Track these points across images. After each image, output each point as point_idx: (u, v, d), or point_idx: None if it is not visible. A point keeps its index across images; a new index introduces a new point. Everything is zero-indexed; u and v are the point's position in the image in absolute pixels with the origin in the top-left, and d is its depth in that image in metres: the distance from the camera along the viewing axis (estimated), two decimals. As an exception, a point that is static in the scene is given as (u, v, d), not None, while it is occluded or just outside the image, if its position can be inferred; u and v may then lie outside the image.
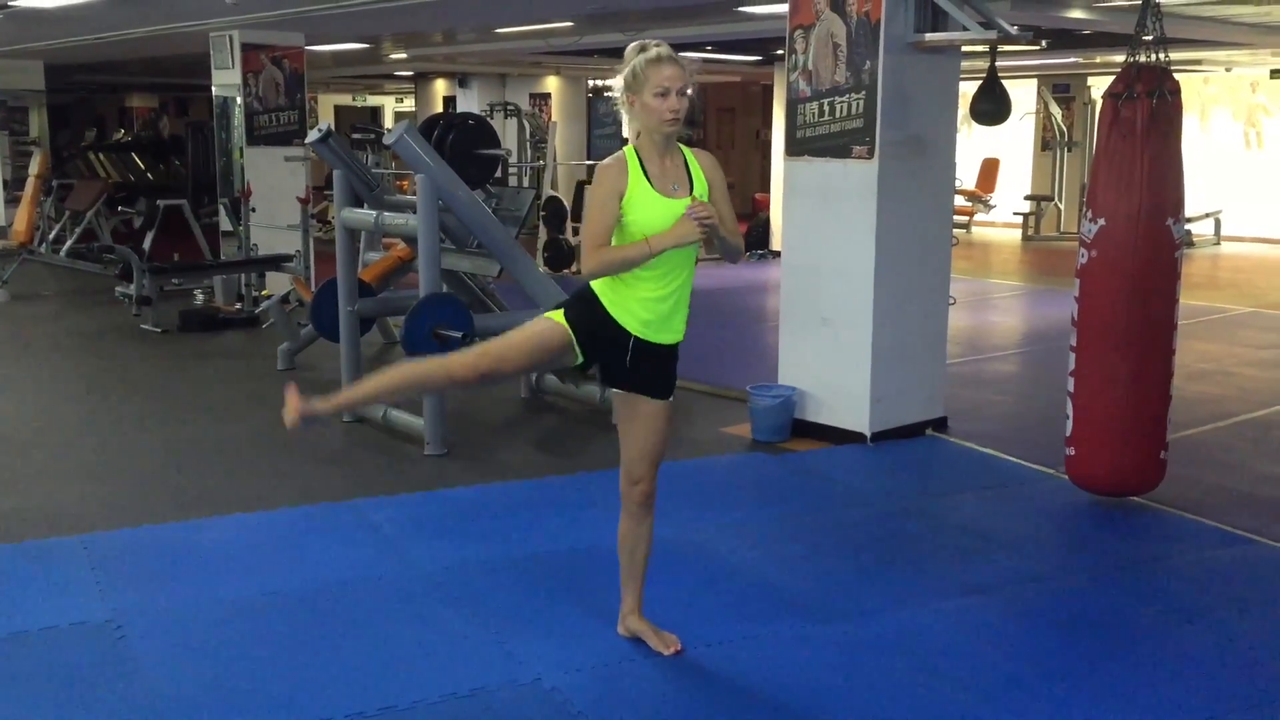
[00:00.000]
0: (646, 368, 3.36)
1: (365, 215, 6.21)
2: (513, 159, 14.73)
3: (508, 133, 15.45)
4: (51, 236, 13.31)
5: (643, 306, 3.28)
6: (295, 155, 10.45)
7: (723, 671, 3.49)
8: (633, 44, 3.26)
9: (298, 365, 7.74)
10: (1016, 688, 3.41)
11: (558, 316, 3.31)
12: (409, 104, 23.67)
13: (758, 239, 14.63)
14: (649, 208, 3.21)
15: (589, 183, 13.86)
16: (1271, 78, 15.70)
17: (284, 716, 3.19)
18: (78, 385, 7.45)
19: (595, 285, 3.31)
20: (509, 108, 15.99)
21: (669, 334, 3.36)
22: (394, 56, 15.16)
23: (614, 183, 3.23)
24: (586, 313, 3.30)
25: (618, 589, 3.67)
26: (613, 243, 3.24)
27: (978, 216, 17.87)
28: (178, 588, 4.06)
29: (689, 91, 3.23)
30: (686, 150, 3.35)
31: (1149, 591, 4.17)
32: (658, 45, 3.24)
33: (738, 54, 14.20)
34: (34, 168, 13.25)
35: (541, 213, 12.80)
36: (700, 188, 3.30)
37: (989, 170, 18.10)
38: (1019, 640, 3.77)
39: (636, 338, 3.30)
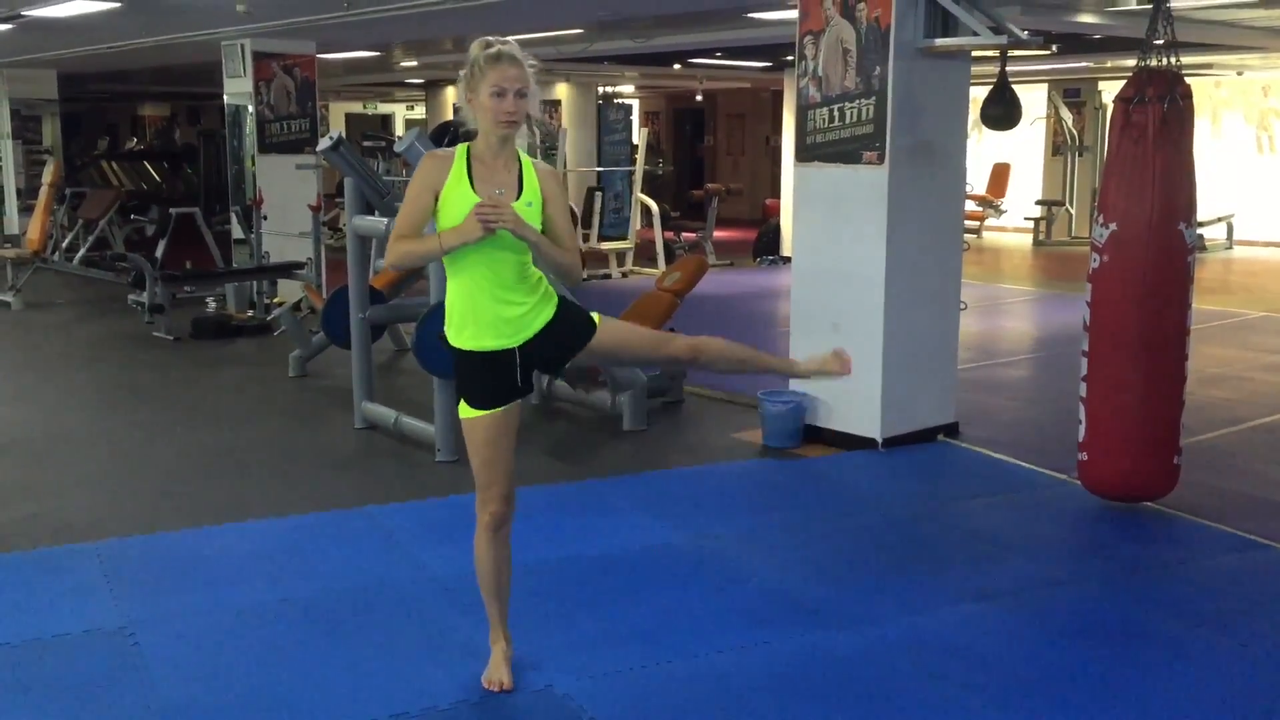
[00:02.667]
0: (550, 345, 3.24)
1: (376, 222, 6.22)
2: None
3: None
4: (64, 245, 13.38)
5: (480, 323, 3.16)
6: (307, 163, 10.47)
7: (735, 677, 3.48)
8: (477, 39, 3.14)
9: (309, 372, 7.76)
10: (1030, 693, 3.40)
11: (462, 408, 3.27)
12: (419, 111, 23.71)
13: (768, 245, 14.62)
14: (461, 207, 3.08)
15: (599, 189, 13.83)
16: (1283, 81, 15.65)
17: (297, 723, 3.19)
18: (90, 393, 7.48)
19: (446, 334, 3.23)
20: (519, 115, 16.01)
21: (534, 323, 3.20)
22: (404, 64, 15.21)
23: (432, 176, 3.13)
24: (466, 367, 3.22)
25: (628, 595, 3.67)
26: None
27: (988, 221, 17.82)
28: (191, 594, 4.07)
29: (529, 94, 3.10)
30: (526, 159, 3.22)
31: (1162, 597, 4.15)
32: (502, 43, 3.11)
33: (747, 60, 14.21)
34: (47, 176, 13.32)
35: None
36: (531, 195, 3.14)
37: (1000, 175, 18.06)
38: (1032, 645, 3.76)
39: (519, 348, 3.20)
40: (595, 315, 3.31)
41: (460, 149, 3.18)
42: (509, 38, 3.16)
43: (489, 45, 3.10)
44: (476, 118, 3.14)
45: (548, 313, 3.23)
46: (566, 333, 3.26)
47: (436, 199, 3.12)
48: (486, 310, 3.16)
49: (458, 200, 3.10)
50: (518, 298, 3.18)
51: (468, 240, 3.04)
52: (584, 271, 3.12)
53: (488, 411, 3.23)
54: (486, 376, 3.22)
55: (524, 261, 3.17)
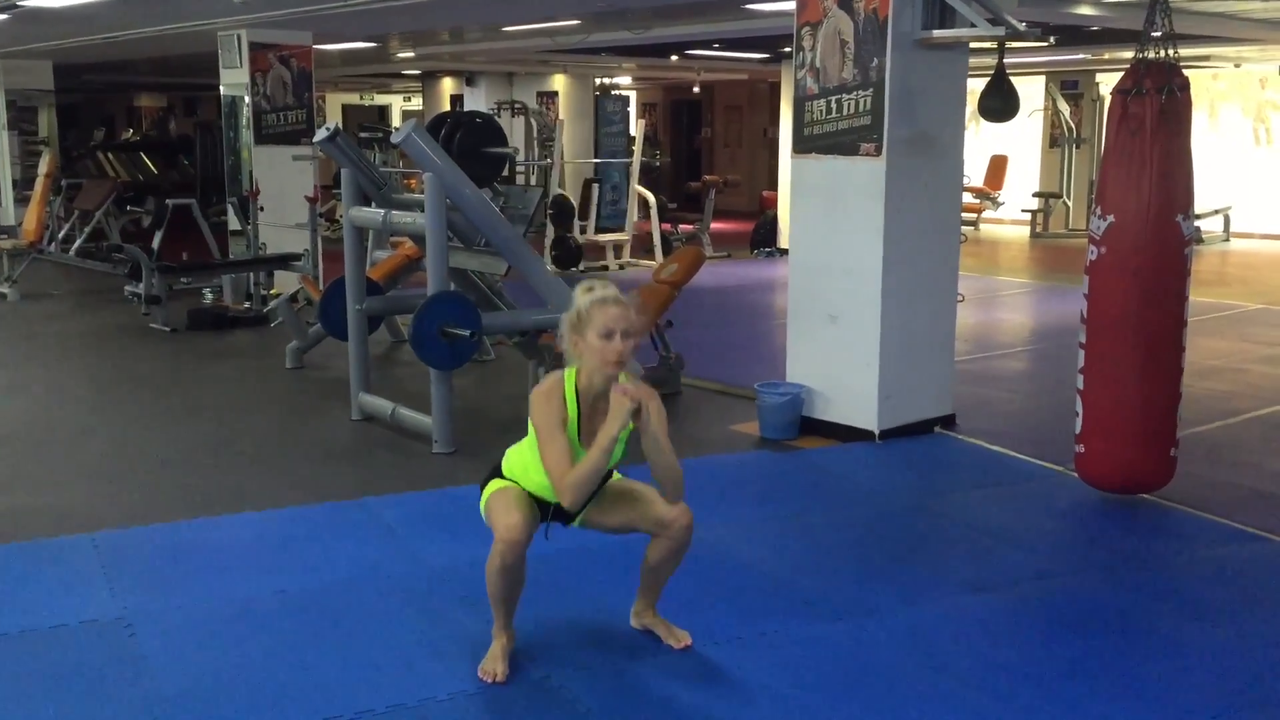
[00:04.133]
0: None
1: (373, 214, 6.21)
2: (520, 157, 14.75)
3: (515, 131, 15.48)
4: (60, 236, 13.35)
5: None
6: (303, 154, 10.47)
7: (731, 669, 3.49)
8: (580, 284, 3.26)
9: (306, 364, 7.75)
10: (1027, 685, 3.41)
11: (493, 485, 3.40)
12: (416, 103, 23.70)
13: (765, 237, 14.62)
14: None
15: (596, 180, 13.82)
16: (1281, 73, 15.65)
17: (293, 714, 3.19)
18: (87, 384, 7.47)
19: (505, 469, 3.41)
20: (516, 106, 16.01)
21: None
22: (401, 55, 15.18)
23: (559, 412, 3.23)
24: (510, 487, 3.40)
25: (626, 588, 3.68)
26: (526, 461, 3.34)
27: (986, 213, 17.84)
28: (188, 586, 4.07)
29: (633, 333, 3.20)
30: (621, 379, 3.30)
31: (1159, 588, 4.16)
32: (604, 286, 3.22)
33: (745, 51, 14.19)
34: (43, 167, 13.29)
35: (549, 211, 12.81)
36: (624, 431, 3.23)
37: (997, 167, 18.07)
38: (1029, 637, 3.76)
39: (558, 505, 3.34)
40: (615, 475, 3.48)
41: (568, 382, 3.27)
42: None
43: (591, 289, 3.22)
44: (583, 359, 3.23)
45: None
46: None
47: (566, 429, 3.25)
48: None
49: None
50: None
51: (624, 421, 3.15)
52: (575, 495, 3.25)
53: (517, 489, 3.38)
54: (526, 499, 3.37)
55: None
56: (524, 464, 3.39)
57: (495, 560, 3.31)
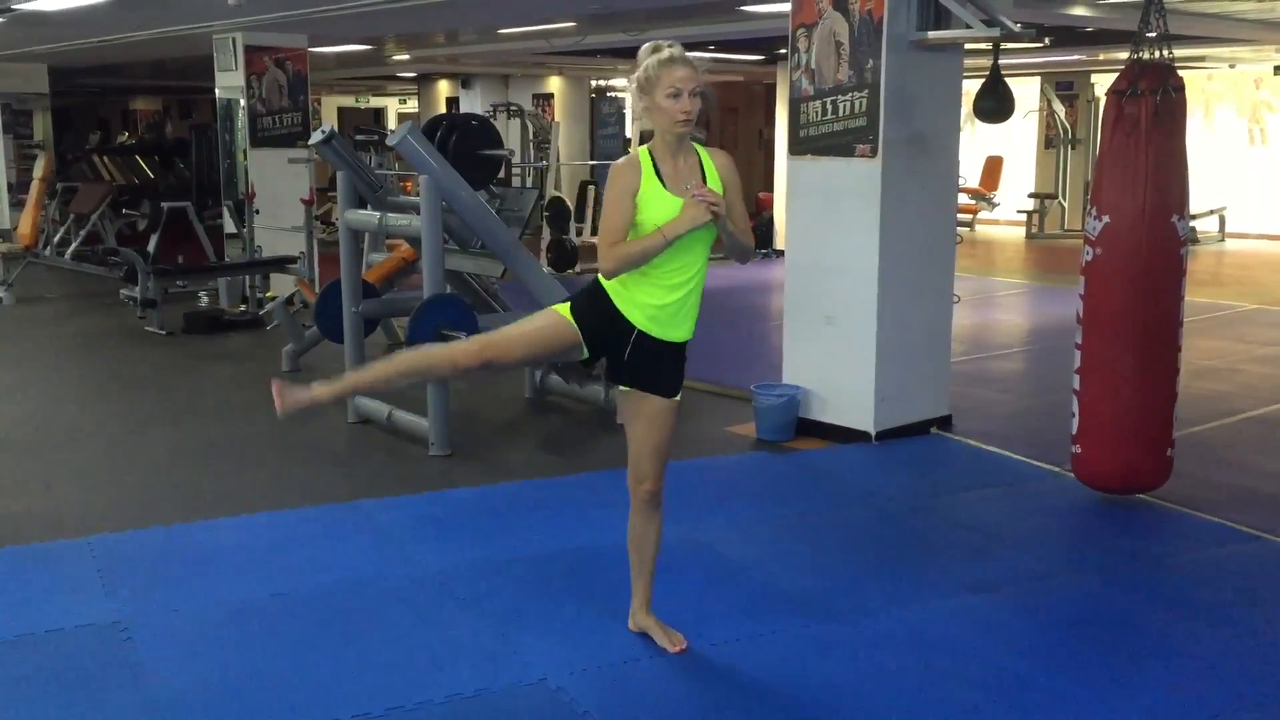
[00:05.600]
0: (650, 364, 3.36)
1: (369, 216, 6.21)
2: (516, 159, 14.73)
3: (511, 133, 15.45)
4: (56, 239, 13.34)
5: (651, 301, 3.30)
6: (299, 157, 10.45)
7: (729, 671, 3.49)
8: (646, 44, 3.28)
9: (302, 367, 7.74)
10: (1023, 685, 3.41)
11: (564, 310, 3.34)
12: (412, 105, 23.69)
13: (761, 238, 14.62)
14: (662, 207, 3.22)
15: (592, 183, 13.89)
16: (1275, 74, 15.67)
17: (290, 717, 3.19)
18: (83, 388, 7.46)
19: (605, 284, 3.33)
20: (512, 108, 16.00)
21: (676, 330, 3.36)
22: (397, 58, 15.17)
23: (628, 181, 3.25)
24: (593, 307, 3.32)
25: (623, 589, 3.67)
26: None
27: (981, 214, 17.85)
28: (184, 589, 4.06)
29: (701, 91, 3.23)
30: (702, 150, 3.36)
31: (1155, 589, 4.16)
32: (670, 46, 3.24)
33: (740, 53, 14.19)
34: (38, 171, 13.28)
35: (545, 213, 12.81)
36: (714, 184, 3.30)
37: (993, 168, 18.08)
38: (1025, 637, 3.76)
39: (640, 331, 3.31)
40: (679, 395, 3.46)
41: (643, 152, 3.30)
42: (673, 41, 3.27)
43: (659, 49, 3.24)
44: (653, 120, 3.26)
45: (684, 334, 3.39)
46: (667, 372, 3.41)
47: (636, 201, 3.23)
48: (672, 307, 3.31)
49: (655, 200, 3.23)
50: (692, 308, 3.37)
51: (696, 225, 3.19)
52: (613, 264, 3.23)
53: (573, 322, 3.32)
54: (602, 330, 3.32)
55: (702, 276, 3.34)
56: (627, 285, 3.31)
57: (632, 508, 3.45)
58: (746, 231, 3.41)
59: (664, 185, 3.25)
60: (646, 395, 3.41)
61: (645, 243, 3.20)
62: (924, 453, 5.86)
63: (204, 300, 9.92)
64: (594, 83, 18.44)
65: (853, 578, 4.22)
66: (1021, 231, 17.21)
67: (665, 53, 3.22)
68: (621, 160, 3.31)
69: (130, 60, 15.01)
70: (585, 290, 3.37)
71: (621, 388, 3.45)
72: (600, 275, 3.32)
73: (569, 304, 3.36)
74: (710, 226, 3.24)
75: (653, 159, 3.28)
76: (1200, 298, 10.10)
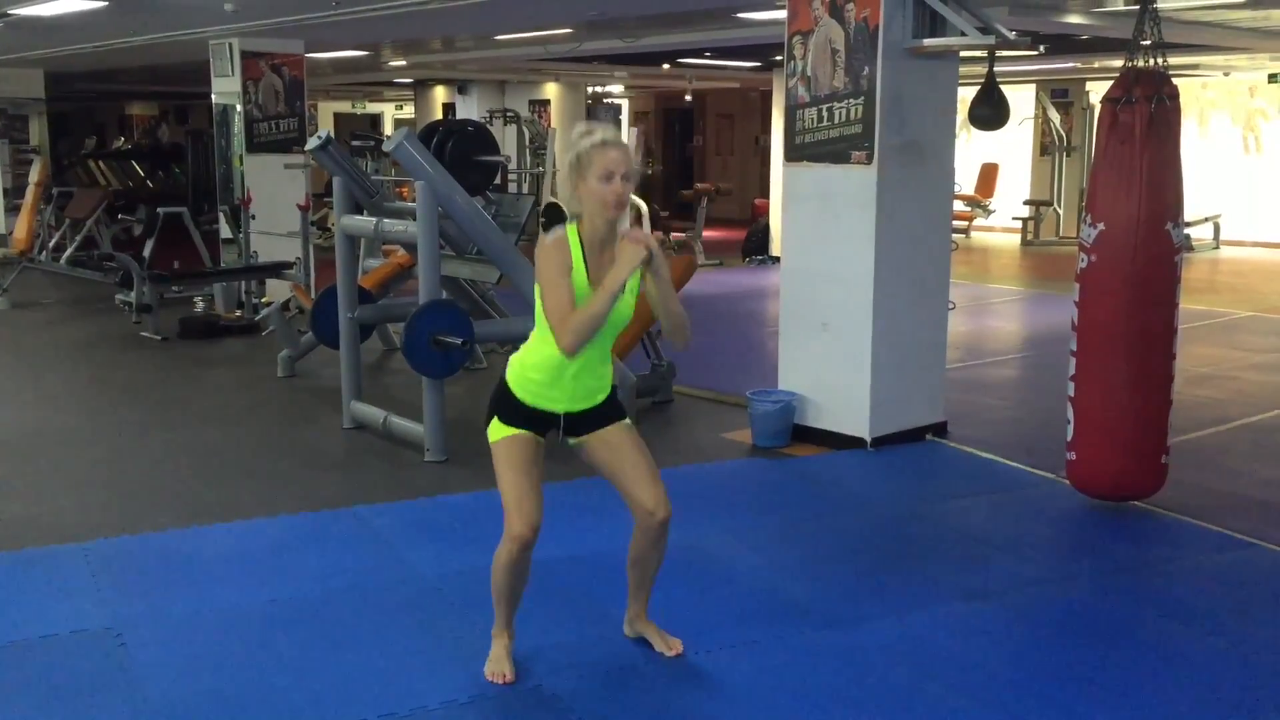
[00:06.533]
0: (588, 419, 3.37)
1: (365, 222, 6.21)
2: (512, 165, 14.75)
3: (507, 139, 15.48)
4: (51, 244, 13.33)
5: (549, 381, 3.27)
6: (295, 162, 10.45)
7: (723, 677, 3.48)
8: (578, 126, 3.23)
9: (298, 372, 7.74)
10: (1017, 692, 3.41)
11: (499, 430, 3.33)
12: (408, 111, 23.69)
13: (757, 245, 14.63)
14: (582, 296, 3.18)
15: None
16: (1270, 82, 15.71)
17: (285, 723, 3.19)
18: (78, 393, 7.45)
19: (508, 379, 3.33)
20: (508, 114, 16.02)
21: (597, 396, 3.36)
22: (393, 64, 15.18)
23: (562, 260, 3.18)
24: (515, 409, 3.31)
25: (618, 594, 3.67)
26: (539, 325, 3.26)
27: (977, 221, 17.87)
28: (178, 595, 4.06)
29: (631, 176, 3.18)
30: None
31: (1150, 596, 4.17)
32: (603, 128, 3.20)
33: (736, 60, 14.22)
34: (34, 176, 13.27)
35: (541, 219, 12.81)
36: (633, 280, 3.22)
37: (988, 175, 18.11)
38: (1020, 644, 3.77)
39: (566, 414, 3.33)
40: (628, 418, 3.46)
41: (571, 233, 3.23)
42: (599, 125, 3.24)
43: (591, 132, 3.19)
44: (584, 204, 3.20)
45: (604, 395, 3.38)
46: (603, 413, 3.39)
47: (571, 280, 3.20)
48: (570, 378, 3.27)
49: (580, 292, 3.18)
50: (604, 370, 3.35)
51: (635, 265, 3.10)
52: (573, 338, 3.16)
53: (520, 430, 3.31)
54: (530, 418, 3.33)
55: (612, 338, 3.31)
56: (522, 362, 3.31)
57: (503, 556, 3.31)
58: (678, 305, 3.28)
59: (588, 277, 3.19)
60: (598, 434, 3.39)
61: (593, 307, 3.11)
62: (919, 459, 5.86)
63: (200, 306, 9.91)
64: (590, 89, 18.46)
65: (847, 584, 4.22)
66: (1017, 239, 17.24)
67: (598, 135, 3.16)
68: (549, 239, 3.24)
69: (127, 65, 15.01)
70: (497, 400, 3.35)
71: (570, 443, 3.43)
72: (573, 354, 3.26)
73: (493, 417, 3.34)
74: (620, 316, 3.21)
75: (581, 244, 3.22)
76: (1195, 305, 10.11)
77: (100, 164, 19.18)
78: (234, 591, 4.09)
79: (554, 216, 12.96)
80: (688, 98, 20.97)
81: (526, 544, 3.27)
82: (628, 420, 3.44)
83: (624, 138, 3.20)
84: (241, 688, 3.38)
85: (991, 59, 9.21)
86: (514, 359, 3.36)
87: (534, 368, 3.29)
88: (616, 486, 3.44)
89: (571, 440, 3.42)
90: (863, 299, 5.78)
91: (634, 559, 3.52)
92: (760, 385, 6.33)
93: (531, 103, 17.69)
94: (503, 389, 3.34)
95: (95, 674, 3.46)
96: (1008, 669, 3.56)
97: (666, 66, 15.31)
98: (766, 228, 14.59)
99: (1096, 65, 14.26)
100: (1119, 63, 4.84)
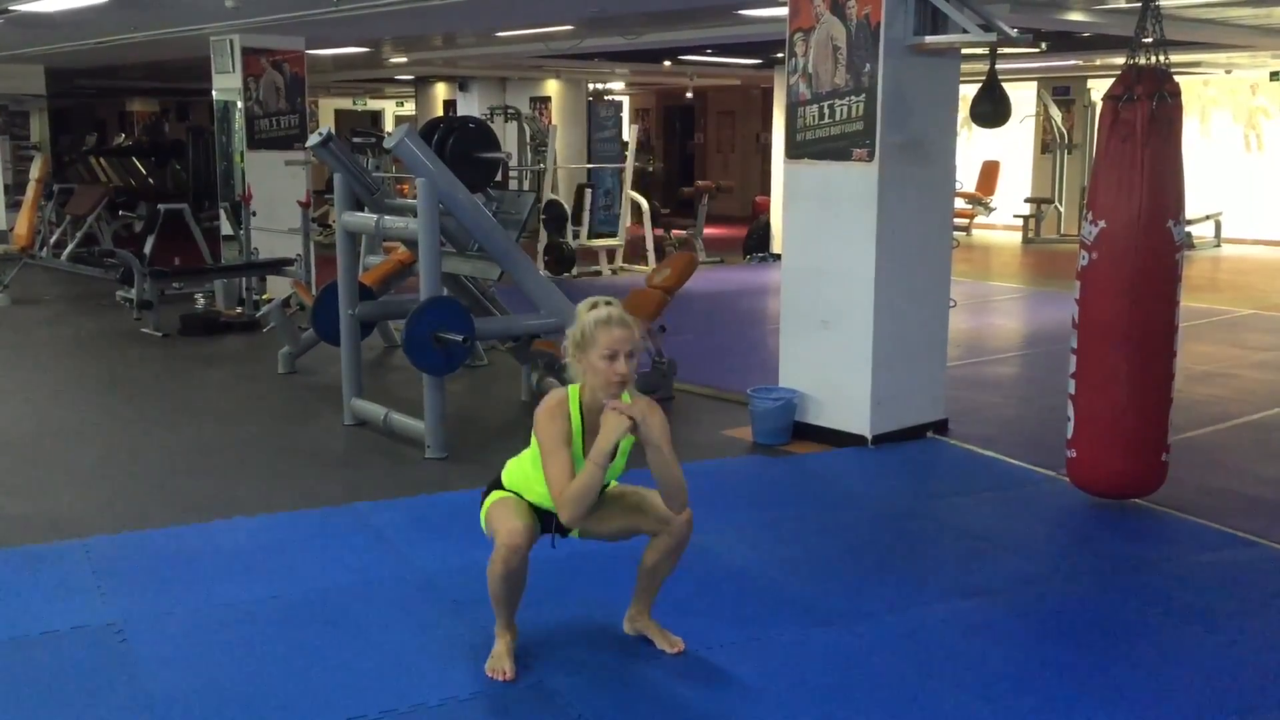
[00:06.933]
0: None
1: (366, 219, 6.21)
2: (513, 162, 14.74)
3: (508, 136, 15.46)
4: (52, 241, 13.33)
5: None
6: (296, 159, 10.45)
7: (724, 674, 3.49)
8: (584, 301, 3.25)
9: (298, 369, 7.74)
10: (1018, 689, 3.41)
11: (494, 496, 3.42)
12: (409, 108, 23.68)
13: (758, 242, 14.64)
14: (577, 462, 3.23)
15: (589, 186, 13.77)
16: (1271, 80, 15.71)
17: (285, 720, 3.19)
18: (79, 389, 7.45)
19: (505, 481, 3.43)
20: (509, 111, 16.01)
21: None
22: (394, 60, 15.18)
23: (562, 429, 3.22)
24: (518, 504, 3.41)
25: (619, 591, 3.68)
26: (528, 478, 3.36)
27: (978, 219, 17.87)
28: (179, 591, 4.06)
29: (637, 353, 3.20)
30: (626, 399, 3.28)
31: (1150, 593, 4.17)
32: (608, 304, 3.21)
33: (738, 57, 14.21)
34: (35, 172, 13.26)
35: (542, 216, 12.81)
36: (626, 444, 3.24)
37: (989, 173, 18.11)
38: (1020, 642, 3.77)
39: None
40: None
41: (572, 398, 3.25)
42: (610, 301, 3.24)
43: (596, 306, 3.20)
44: (585, 376, 3.22)
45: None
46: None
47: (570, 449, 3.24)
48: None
49: (577, 460, 3.22)
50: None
51: (620, 435, 3.12)
52: (573, 511, 3.22)
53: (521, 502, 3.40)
54: (527, 508, 3.39)
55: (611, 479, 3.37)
56: (525, 476, 3.39)
57: (497, 565, 3.32)
58: (674, 465, 3.25)
59: (584, 446, 3.22)
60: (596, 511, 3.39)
61: (585, 479, 3.14)
62: (920, 457, 5.87)
63: (200, 302, 9.91)
64: (591, 86, 18.44)
65: (848, 581, 4.22)
66: (1018, 236, 17.23)
67: (603, 311, 3.17)
68: (553, 401, 3.26)
69: (127, 62, 15.01)
70: (495, 486, 3.48)
71: (574, 534, 3.51)
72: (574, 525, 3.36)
73: (491, 490, 3.47)
74: (624, 451, 3.25)
75: (581, 414, 3.25)
76: (1196, 303, 10.11)
77: (101, 160, 19.18)
78: (235, 588, 4.09)
79: (555, 213, 12.96)
80: (689, 95, 20.95)
81: (517, 548, 3.28)
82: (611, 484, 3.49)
83: (636, 328, 3.23)
84: (242, 683, 3.39)
85: (993, 56, 9.21)
86: (514, 469, 3.43)
87: (533, 495, 3.39)
88: (636, 531, 3.47)
89: (576, 534, 3.49)
90: (864, 296, 5.78)
91: (649, 566, 3.53)
92: (761, 382, 6.32)
93: (533, 100, 17.68)
94: (504, 489, 3.45)
95: (96, 670, 3.46)
96: (1008, 666, 3.57)
97: (668, 64, 15.30)
98: (767, 225, 14.59)
99: (1098, 63, 14.25)
100: (1120, 60, 4.84)
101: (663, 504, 3.36)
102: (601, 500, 3.41)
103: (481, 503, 3.48)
